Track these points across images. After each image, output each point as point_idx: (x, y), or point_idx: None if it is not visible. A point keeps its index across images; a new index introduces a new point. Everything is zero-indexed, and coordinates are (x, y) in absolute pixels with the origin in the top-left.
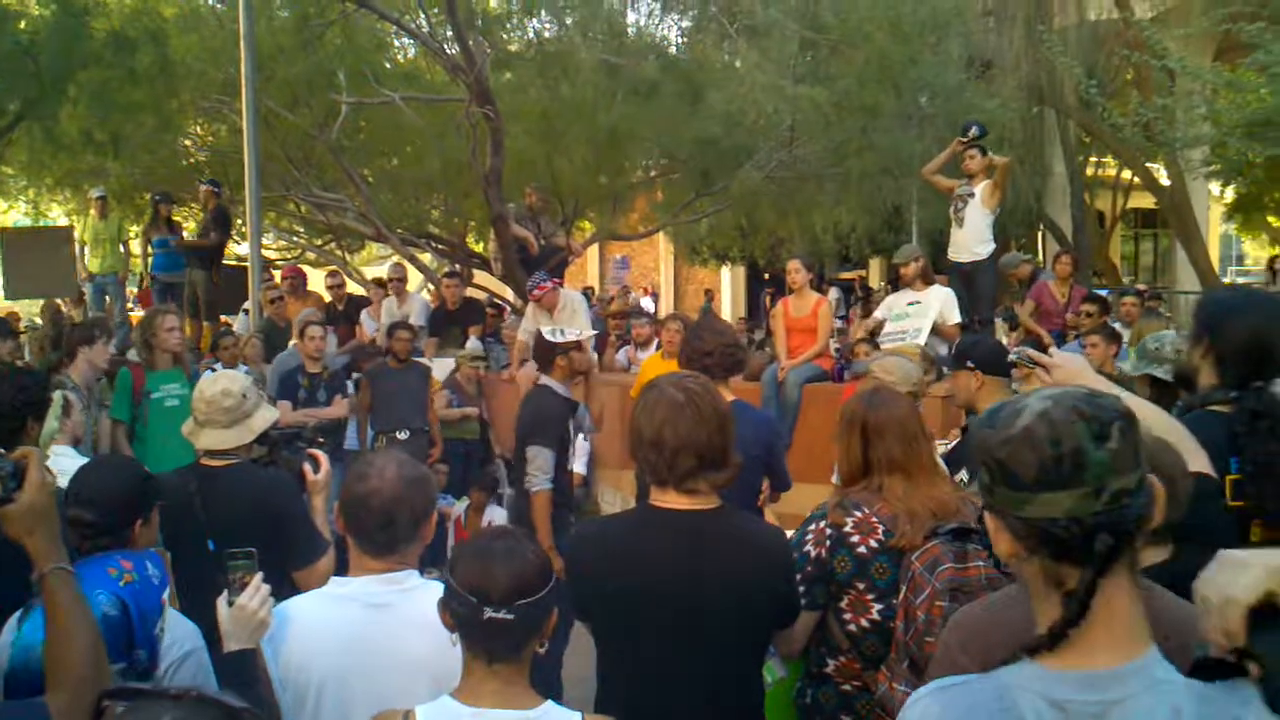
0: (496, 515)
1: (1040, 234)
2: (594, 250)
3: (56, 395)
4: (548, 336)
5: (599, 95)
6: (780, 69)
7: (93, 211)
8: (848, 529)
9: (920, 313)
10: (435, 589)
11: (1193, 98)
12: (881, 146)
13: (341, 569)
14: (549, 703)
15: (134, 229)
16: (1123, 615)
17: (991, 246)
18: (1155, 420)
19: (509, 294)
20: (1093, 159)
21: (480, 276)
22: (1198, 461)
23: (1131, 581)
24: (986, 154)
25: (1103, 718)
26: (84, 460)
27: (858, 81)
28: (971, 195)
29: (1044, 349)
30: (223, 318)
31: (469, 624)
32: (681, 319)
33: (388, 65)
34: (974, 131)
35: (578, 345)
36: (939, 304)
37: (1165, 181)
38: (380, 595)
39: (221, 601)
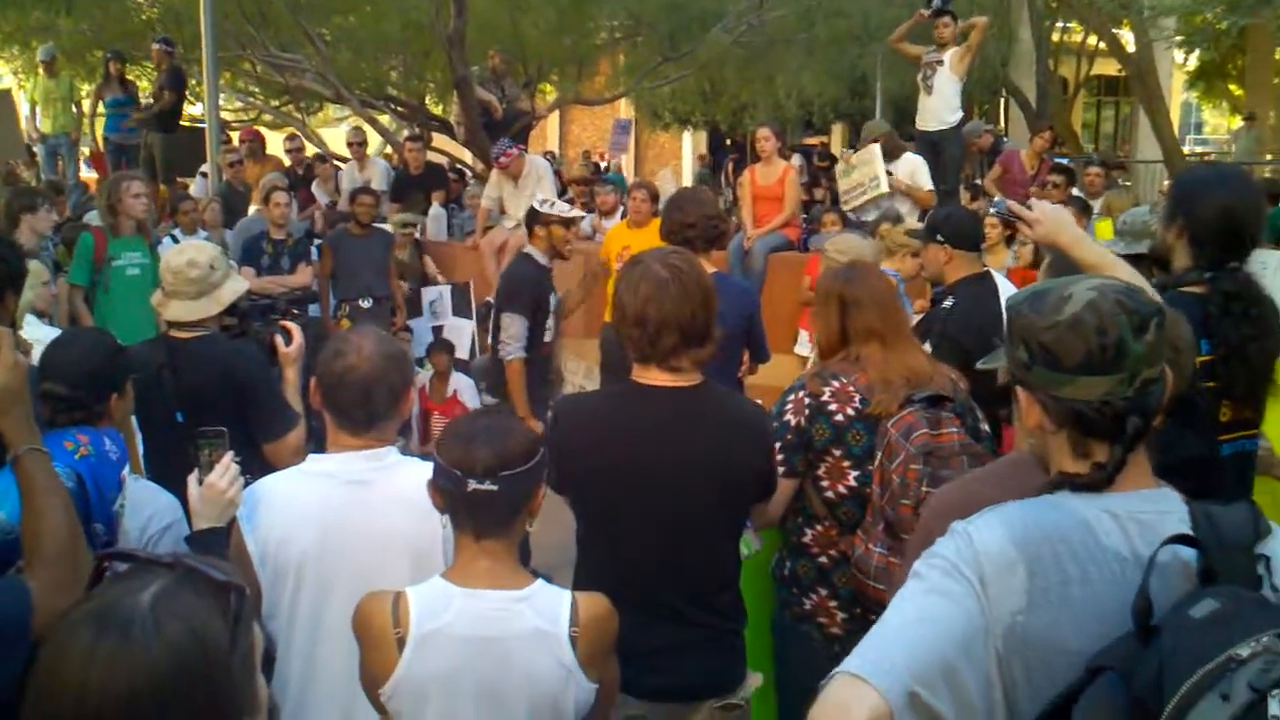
0: (462, 383)
1: (1004, 101)
2: (555, 115)
3: (35, 265)
4: (538, 207)
5: None
6: None
7: (41, 70)
8: (825, 398)
9: (864, 161)
10: (414, 465)
11: None
12: (850, 12)
13: (318, 447)
14: (539, 581)
15: (85, 88)
16: (1142, 474)
17: (960, 115)
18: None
19: (468, 158)
20: (1058, 25)
21: (440, 140)
22: None
23: (1145, 459)
24: (958, 20)
25: (1155, 526)
26: (50, 330)
27: None
28: (941, 62)
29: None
30: (179, 180)
31: (455, 499)
32: (648, 187)
33: None
34: (936, 3)
35: (567, 222)
36: (909, 171)
37: (1131, 48)
38: (360, 472)
39: (191, 480)
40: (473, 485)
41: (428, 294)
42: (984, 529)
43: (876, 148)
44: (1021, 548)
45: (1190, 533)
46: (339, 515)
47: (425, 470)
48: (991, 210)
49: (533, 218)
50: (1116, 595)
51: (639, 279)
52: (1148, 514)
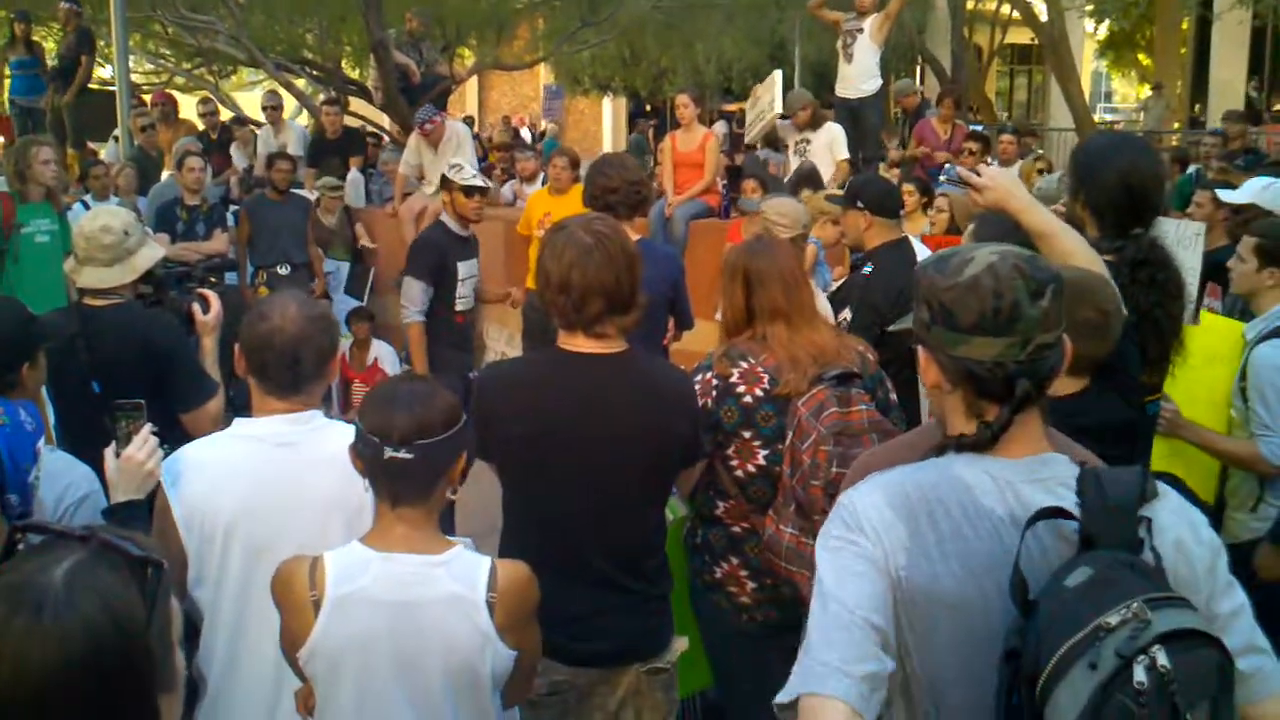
0: (382, 350)
1: (919, 68)
2: (473, 80)
3: None
4: (449, 174)
5: None
6: None
7: None
8: (734, 379)
9: (765, 88)
10: (341, 427)
11: None
12: None
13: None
14: (459, 546)
15: None
16: (1032, 435)
17: (879, 82)
18: (1082, 252)
19: (385, 123)
20: None
21: (356, 105)
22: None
23: (1040, 418)
24: None
25: (1030, 494)
26: None
27: None
28: (860, 30)
29: (923, 187)
30: (89, 145)
31: (373, 465)
32: (568, 154)
33: None
34: None
35: (480, 190)
36: (829, 140)
37: (1044, 18)
38: (287, 434)
39: (109, 453)
40: (389, 453)
41: (324, 266)
42: (863, 495)
43: (777, 74)
44: (897, 509)
45: (1061, 505)
46: (267, 477)
47: (351, 433)
48: (942, 178)
49: (444, 184)
50: (993, 551)
51: (563, 245)
52: (1025, 481)
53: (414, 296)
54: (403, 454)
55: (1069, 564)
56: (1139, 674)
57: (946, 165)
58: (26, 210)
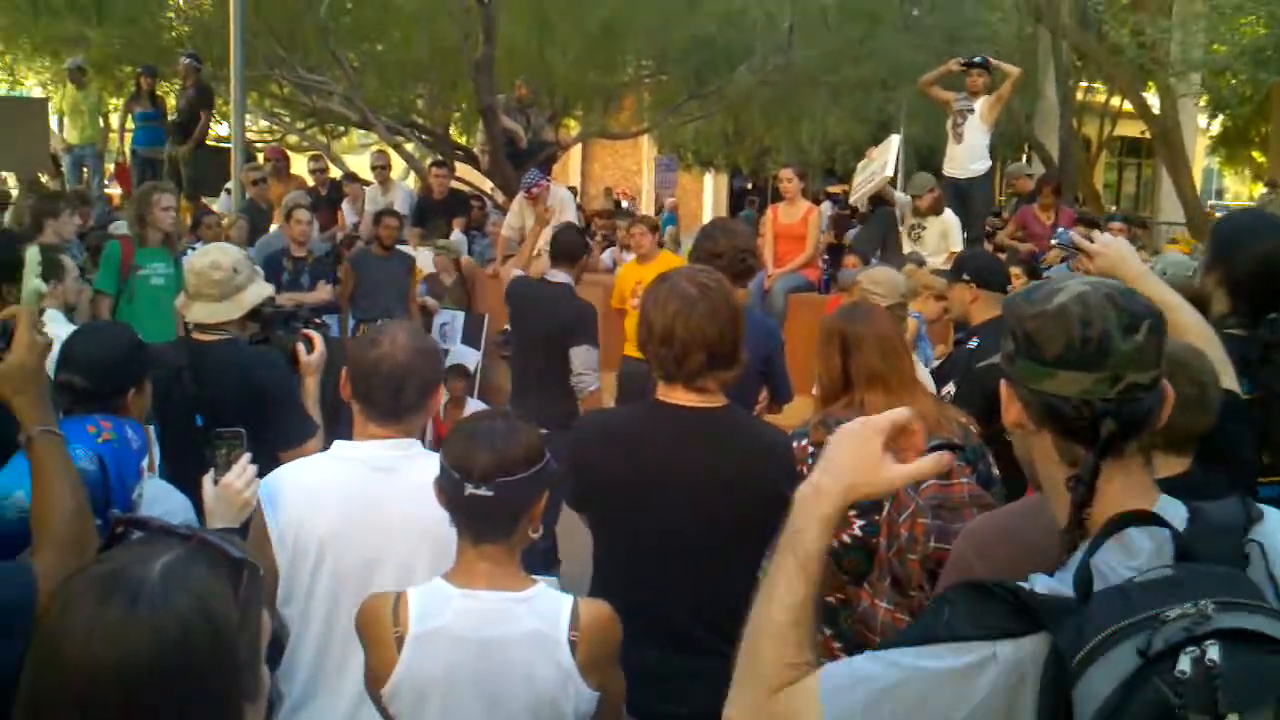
0: (475, 407)
1: (1025, 156)
2: (576, 150)
3: (31, 251)
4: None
5: None
6: None
7: (69, 81)
8: None
9: (881, 151)
10: (438, 459)
11: (1194, 22)
12: (878, 54)
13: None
14: (541, 584)
15: (114, 101)
16: (1136, 487)
17: (988, 163)
18: (1197, 328)
19: (487, 187)
20: (1082, 84)
21: (460, 169)
22: (1227, 378)
23: (1143, 472)
24: (992, 73)
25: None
26: (72, 327)
27: None
28: (971, 111)
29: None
30: (203, 198)
31: (454, 501)
32: (647, 221)
33: None
34: (973, 58)
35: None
36: (941, 227)
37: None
38: (386, 459)
39: (207, 480)
40: (470, 489)
41: (439, 317)
42: None
43: (895, 138)
44: None
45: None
46: (362, 499)
47: None
48: (1054, 241)
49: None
50: None
51: (666, 296)
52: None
53: (593, 364)
54: (483, 491)
55: (1152, 569)
56: (1183, 663)
57: (1060, 230)
58: (144, 254)
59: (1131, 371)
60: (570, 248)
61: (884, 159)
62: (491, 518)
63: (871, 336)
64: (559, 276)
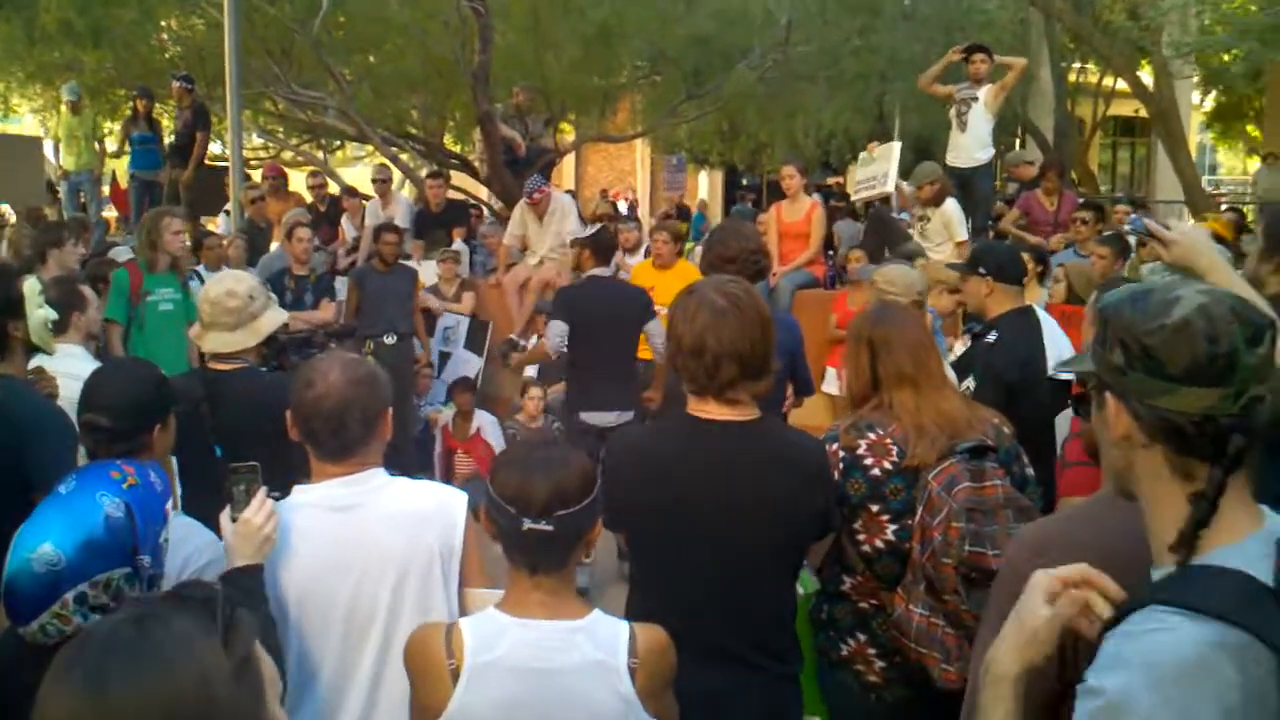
0: (485, 421)
1: (1019, 140)
2: (570, 155)
3: (30, 282)
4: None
5: None
6: None
7: (64, 107)
8: (860, 451)
9: (885, 155)
10: (405, 484)
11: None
12: (877, 46)
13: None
14: (597, 611)
15: (109, 125)
16: (1248, 504)
17: (991, 151)
18: None
19: (484, 194)
20: (1075, 65)
21: (456, 178)
22: None
23: (1246, 482)
24: (993, 57)
25: None
26: (95, 363)
27: None
28: (975, 99)
29: (1038, 256)
30: (202, 218)
31: (509, 535)
32: (669, 229)
33: None
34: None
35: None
36: (944, 218)
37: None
38: (343, 498)
39: (225, 517)
40: (529, 524)
41: (444, 319)
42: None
43: (897, 145)
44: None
45: None
46: (331, 542)
47: (415, 489)
48: (1127, 227)
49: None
50: None
51: (695, 308)
52: None
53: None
54: (543, 525)
55: None
56: None
57: (1132, 216)
58: (153, 279)
59: (1254, 385)
60: (608, 247)
61: (885, 168)
62: (549, 550)
63: (899, 337)
64: (604, 272)
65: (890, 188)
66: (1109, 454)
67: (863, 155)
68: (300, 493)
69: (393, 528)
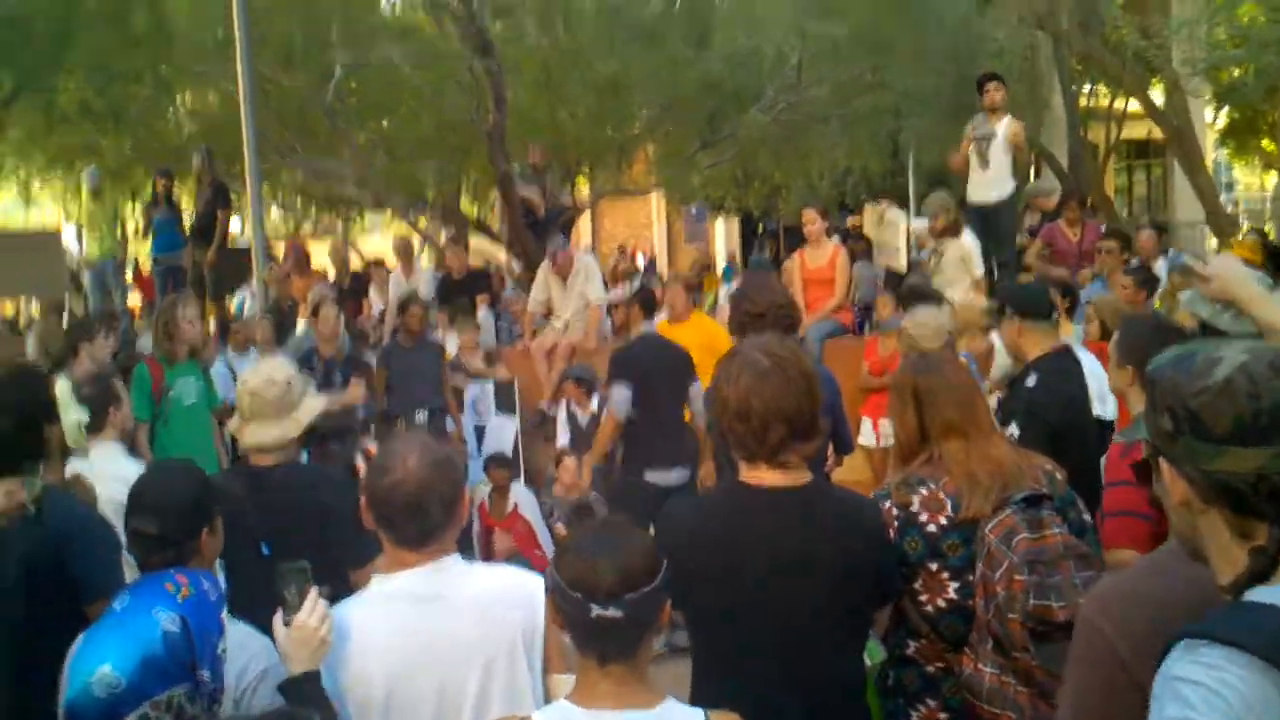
0: (521, 495)
1: (1033, 168)
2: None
3: (61, 384)
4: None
5: (600, 40)
6: (792, 3)
7: (84, 193)
8: (915, 508)
9: (891, 222)
10: (481, 570)
11: (1199, 21)
12: (893, 84)
13: None
14: (670, 699)
15: (129, 207)
16: None
17: (1013, 185)
18: None
19: (501, 257)
20: (1085, 89)
21: (474, 242)
22: None
23: None
24: (1005, 85)
25: None
26: (135, 464)
27: (873, 10)
28: (993, 134)
29: (1065, 291)
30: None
31: (577, 623)
32: (682, 280)
33: (385, 7)
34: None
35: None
36: (959, 252)
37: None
38: (427, 588)
39: (277, 622)
40: (597, 611)
41: (469, 391)
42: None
43: (902, 216)
44: None
45: None
46: (416, 635)
47: (494, 573)
48: (1167, 265)
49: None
50: None
51: (738, 370)
52: None
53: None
54: (612, 612)
55: None
56: None
57: (1173, 253)
58: (173, 373)
59: None
60: (654, 303)
61: (895, 243)
62: (620, 636)
63: (944, 386)
64: (650, 328)
65: (903, 263)
66: (1173, 518)
67: (875, 217)
68: (380, 582)
69: (477, 615)
